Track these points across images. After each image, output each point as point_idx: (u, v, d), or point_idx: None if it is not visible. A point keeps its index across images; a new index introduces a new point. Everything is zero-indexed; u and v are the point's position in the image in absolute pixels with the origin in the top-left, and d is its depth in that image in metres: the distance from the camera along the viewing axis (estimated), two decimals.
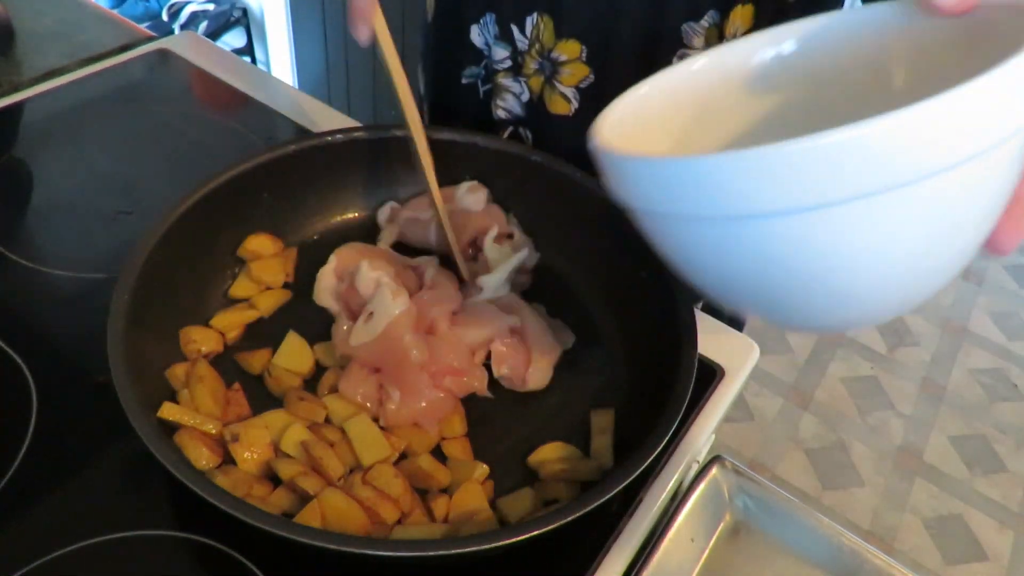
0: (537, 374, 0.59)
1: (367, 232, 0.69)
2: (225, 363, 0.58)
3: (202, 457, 0.49)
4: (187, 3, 1.72)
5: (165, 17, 1.74)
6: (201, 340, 0.57)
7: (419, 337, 0.56)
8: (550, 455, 0.55)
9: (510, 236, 0.69)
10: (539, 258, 0.68)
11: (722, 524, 0.53)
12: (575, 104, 0.70)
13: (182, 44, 0.93)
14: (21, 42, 0.89)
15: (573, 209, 0.66)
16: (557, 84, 0.69)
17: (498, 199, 0.70)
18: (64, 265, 0.65)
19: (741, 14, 0.63)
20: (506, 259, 0.65)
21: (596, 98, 0.69)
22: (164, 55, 0.91)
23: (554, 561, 0.50)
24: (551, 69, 0.68)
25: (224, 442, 0.50)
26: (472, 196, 0.68)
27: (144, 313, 0.51)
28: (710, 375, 0.61)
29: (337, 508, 0.47)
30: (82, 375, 0.57)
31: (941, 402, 1.87)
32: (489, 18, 0.69)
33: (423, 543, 0.44)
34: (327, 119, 0.83)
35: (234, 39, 1.80)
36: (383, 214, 0.70)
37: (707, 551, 0.51)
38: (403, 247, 0.68)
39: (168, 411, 0.50)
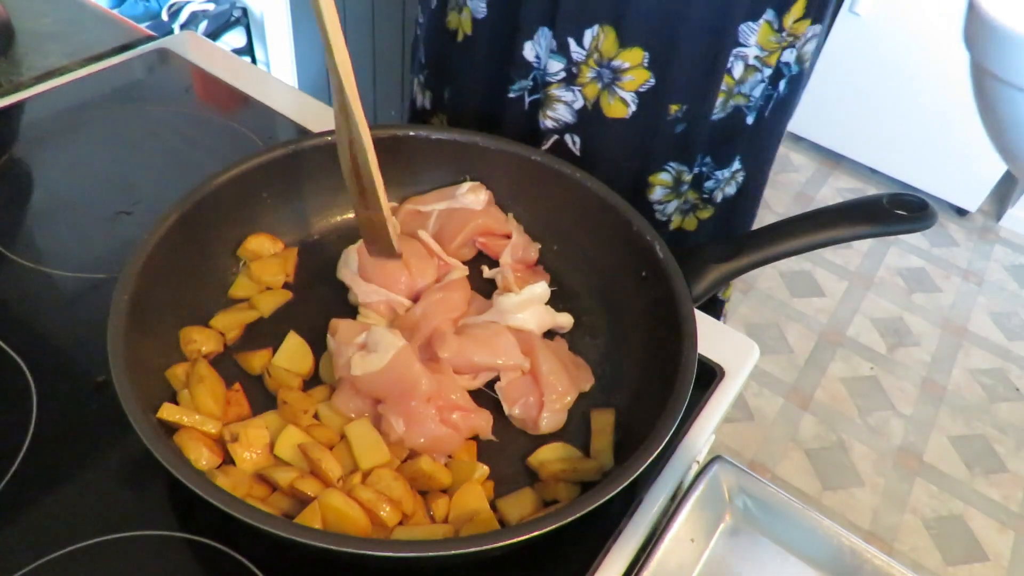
0: (551, 418, 0.56)
1: None
2: (225, 363, 0.58)
3: (202, 457, 0.49)
4: (187, 3, 1.71)
5: (165, 17, 1.73)
6: (201, 340, 0.57)
7: (426, 368, 0.54)
8: (550, 455, 0.55)
9: (508, 236, 0.69)
10: (539, 249, 0.69)
11: (722, 524, 0.53)
12: (633, 107, 0.70)
13: (182, 44, 0.93)
14: (21, 42, 0.89)
15: (573, 209, 0.66)
16: (617, 89, 0.69)
17: (498, 199, 0.70)
18: (64, 265, 0.65)
19: (796, 7, 0.66)
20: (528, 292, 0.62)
21: (655, 100, 0.70)
22: (164, 55, 0.91)
23: (554, 561, 0.50)
24: (611, 76, 0.69)
25: (224, 442, 0.50)
26: (472, 196, 0.68)
27: (144, 313, 0.51)
28: (710, 375, 0.61)
29: (337, 509, 0.47)
30: (82, 375, 0.57)
31: (941, 402, 1.87)
32: (544, 33, 0.69)
33: (423, 543, 0.44)
34: (327, 119, 0.83)
35: (234, 39, 1.80)
36: None
37: (707, 551, 0.51)
38: None
39: (168, 411, 0.50)
